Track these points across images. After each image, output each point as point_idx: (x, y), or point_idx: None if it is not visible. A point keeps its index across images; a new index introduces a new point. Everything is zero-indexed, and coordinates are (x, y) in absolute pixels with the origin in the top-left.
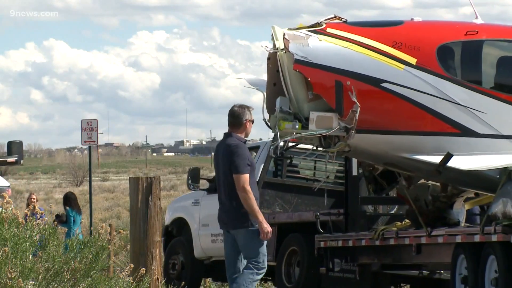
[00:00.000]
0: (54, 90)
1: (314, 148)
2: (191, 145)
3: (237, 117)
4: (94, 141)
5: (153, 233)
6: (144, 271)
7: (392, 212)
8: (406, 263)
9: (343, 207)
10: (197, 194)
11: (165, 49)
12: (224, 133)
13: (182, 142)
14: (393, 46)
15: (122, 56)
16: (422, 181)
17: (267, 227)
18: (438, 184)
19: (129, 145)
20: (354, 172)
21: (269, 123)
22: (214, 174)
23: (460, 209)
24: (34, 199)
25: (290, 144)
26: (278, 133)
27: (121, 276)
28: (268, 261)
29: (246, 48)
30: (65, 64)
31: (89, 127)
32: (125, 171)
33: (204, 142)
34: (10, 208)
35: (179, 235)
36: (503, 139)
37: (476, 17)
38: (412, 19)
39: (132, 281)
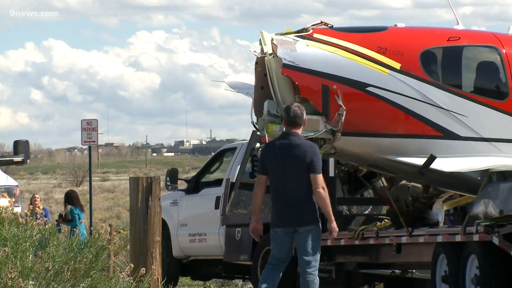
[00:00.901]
0: (54, 90)
1: None
2: (191, 145)
3: (299, 117)
4: (94, 141)
5: (153, 233)
6: (144, 271)
7: (366, 212)
8: (385, 262)
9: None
10: (175, 194)
11: (165, 49)
12: (284, 132)
13: (182, 142)
14: (378, 51)
15: (122, 56)
16: (403, 182)
17: (336, 227)
18: (418, 185)
19: (129, 145)
20: (331, 173)
21: (257, 126)
22: (191, 175)
23: (439, 210)
24: (37, 198)
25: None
26: (267, 136)
27: (121, 276)
28: (244, 261)
29: (246, 48)
30: (65, 64)
31: (89, 127)
32: (125, 171)
33: (204, 142)
34: (14, 208)
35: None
36: (483, 141)
37: (458, 23)
38: (395, 25)
39: (132, 281)
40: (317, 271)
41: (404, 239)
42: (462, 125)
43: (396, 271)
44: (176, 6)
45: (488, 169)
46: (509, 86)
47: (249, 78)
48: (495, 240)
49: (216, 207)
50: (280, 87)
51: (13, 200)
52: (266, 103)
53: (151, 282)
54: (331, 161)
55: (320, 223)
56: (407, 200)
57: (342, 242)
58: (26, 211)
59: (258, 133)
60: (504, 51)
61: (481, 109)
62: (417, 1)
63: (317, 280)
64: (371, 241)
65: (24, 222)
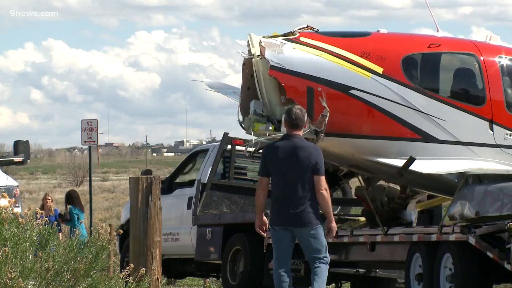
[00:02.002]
0: (54, 90)
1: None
2: (191, 145)
3: (301, 119)
4: (94, 141)
5: (153, 233)
6: (144, 271)
7: (335, 212)
8: (358, 261)
9: None
10: None
11: (164, 49)
12: (286, 134)
13: (182, 142)
14: (361, 56)
15: (122, 56)
16: (379, 183)
17: (336, 227)
18: (393, 186)
19: (129, 145)
20: None
21: (243, 125)
22: (166, 176)
23: (412, 210)
24: (49, 199)
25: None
26: (253, 134)
27: (121, 276)
28: (214, 260)
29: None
30: (64, 64)
31: (89, 127)
32: (125, 171)
33: (204, 142)
34: (15, 208)
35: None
36: (461, 145)
37: (438, 31)
38: (378, 31)
39: (132, 281)
40: (327, 265)
41: (379, 238)
42: (440, 129)
43: (360, 270)
44: (176, 6)
45: (464, 171)
46: (486, 93)
47: None
48: (471, 240)
49: (189, 207)
50: (266, 88)
51: (13, 200)
52: (252, 103)
53: (151, 282)
54: None
55: (321, 222)
56: (383, 201)
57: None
58: (37, 209)
59: (241, 134)
60: (482, 58)
61: (459, 113)
62: (417, 1)
63: (326, 271)
64: (345, 239)
65: (24, 222)
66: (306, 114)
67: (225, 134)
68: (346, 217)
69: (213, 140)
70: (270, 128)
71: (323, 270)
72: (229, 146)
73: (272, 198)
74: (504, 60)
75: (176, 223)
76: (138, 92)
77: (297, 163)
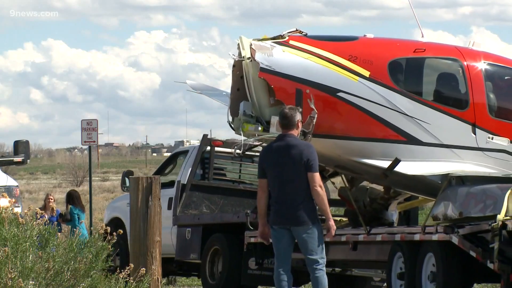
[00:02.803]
0: (54, 90)
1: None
2: (191, 145)
3: (290, 119)
4: (94, 141)
5: (153, 233)
6: (144, 271)
7: None
8: (339, 260)
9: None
10: None
11: (164, 49)
12: (280, 135)
13: (182, 142)
14: (349, 59)
15: (122, 56)
16: (362, 184)
17: (334, 225)
18: (375, 187)
19: (129, 145)
20: None
21: (233, 125)
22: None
23: (394, 211)
24: (51, 199)
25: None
26: (242, 134)
27: (121, 276)
28: (193, 259)
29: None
30: (64, 64)
31: (89, 127)
32: (125, 171)
33: None
34: (15, 208)
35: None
36: (444, 148)
37: (422, 36)
38: (365, 35)
39: (132, 281)
40: (324, 268)
41: (361, 237)
42: (425, 132)
43: (336, 269)
44: (175, 6)
45: (448, 173)
46: (469, 97)
47: None
48: (455, 240)
49: (169, 207)
50: (256, 90)
51: (13, 200)
52: (242, 104)
53: (151, 282)
54: None
55: (319, 222)
56: (365, 201)
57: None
58: (37, 209)
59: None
60: (465, 63)
61: (443, 117)
62: (417, 1)
63: (325, 276)
64: (327, 239)
65: (24, 222)
66: (297, 111)
67: (204, 136)
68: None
69: (231, 139)
70: (259, 128)
71: (323, 278)
72: (208, 148)
73: (271, 199)
74: (486, 66)
75: None
76: (138, 92)
77: (289, 162)
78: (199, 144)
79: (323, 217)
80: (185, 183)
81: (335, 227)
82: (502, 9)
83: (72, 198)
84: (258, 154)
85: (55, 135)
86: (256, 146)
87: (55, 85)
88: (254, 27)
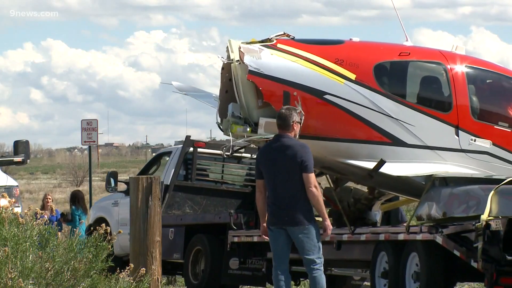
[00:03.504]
0: (53, 90)
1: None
2: (175, 146)
3: (284, 119)
4: (94, 141)
5: (153, 233)
6: (144, 271)
7: None
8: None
9: (249, 207)
10: (116, 195)
11: (164, 49)
12: (276, 135)
13: (182, 142)
14: (335, 62)
15: (122, 56)
16: (347, 184)
17: (330, 225)
18: (359, 188)
19: (129, 145)
20: None
21: (221, 126)
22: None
23: (377, 211)
24: (49, 199)
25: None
26: (231, 135)
27: (121, 276)
28: (176, 259)
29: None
30: (64, 64)
31: (89, 127)
32: (125, 171)
33: None
34: (14, 208)
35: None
36: (428, 149)
37: (407, 40)
38: (351, 39)
39: (132, 281)
40: (322, 268)
41: (345, 237)
42: (409, 134)
43: None
44: (175, 6)
45: (431, 174)
46: (452, 100)
47: None
48: (438, 240)
49: None
50: (244, 92)
51: (13, 200)
52: (230, 106)
53: (151, 282)
54: None
55: (315, 222)
56: (349, 201)
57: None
58: (37, 209)
59: (221, 135)
60: (449, 67)
61: (427, 119)
62: (417, 1)
63: (323, 276)
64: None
65: (24, 222)
66: (294, 112)
67: (187, 137)
68: None
69: (213, 140)
70: (248, 130)
71: (320, 278)
72: (191, 149)
73: (267, 199)
74: (469, 69)
75: None
76: (138, 92)
77: (284, 163)
78: (181, 145)
79: (319, 217)
80: (168, 183)
81: (331, 227)
82: (502, 9)
83: (77, 199)
84: (245, 155)
85: (55, 135)
86: (244, 147)
87: (55, 85)
88: (253, 27)
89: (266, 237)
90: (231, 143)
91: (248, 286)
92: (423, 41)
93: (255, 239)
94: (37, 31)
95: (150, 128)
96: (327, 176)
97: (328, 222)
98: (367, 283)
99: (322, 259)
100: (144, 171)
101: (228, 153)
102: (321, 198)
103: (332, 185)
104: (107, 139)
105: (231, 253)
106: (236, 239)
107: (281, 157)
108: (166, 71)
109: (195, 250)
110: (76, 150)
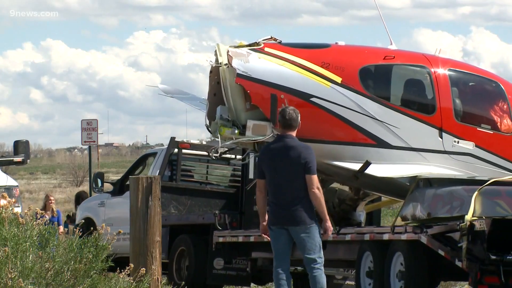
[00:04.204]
0: (53, 90)
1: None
2: (160, 148)
3: (293, 120)
4: (94, 141)
5: (153, 233)
6: (144, 271)
7: None
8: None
9: (233, 208)
10: (103, 196)
11: (164, 49)
12: (279, 135)
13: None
14: (321, 66)
15: (122, 56)
16: (331, 185)
17: (331, 226)
18: (344, 189)
19: (129, 145)
20: (251, 175)
21: (210, 129)
22: (117, 178)
23: (361, 212)
24: (52, 200)
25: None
26: (219, 137)
27: (121, 276)
28: (162, 259)
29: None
30: (64, 64)
31: (89, 127)
32: (125, 171)
33: (204, 142)
34: (15, 209)
35: (88, 233)
36: (412, 151)
37: (391, 43)
38: (336, 43)
39: (132, 281)
40: (322, 267)
41: (330, 237)
42: (394, 136)
43: (298, 268)
44: (175, 6)
45: (416, 176)
46: (436, 102)
47: None
48: (423, 239)
49: None
50: (232, 95)
51: (13, 200)
52: (219, 108)
53: (151, 282)
54: (251, 163)
55: (316, 221)
56: (334, 202)
57: (266, 239)
58: (37, 209)
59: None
60: (432, 70)
61: (411, 121)
62: (417, 1)
63: (323, 276)
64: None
65: (24, 222)
66: (299, 115)
67: (172, 139)
68: None
69: (213, 140)
70: (236, 132)
71: (321, 277)
72: (176, 150)
73: (268, 199)
74: (452, 72)
75: (126, 223)
76: (138, 92)
77: (288, 163)
78: (165, 147)
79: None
80: None
81: (332, 228)
82: (502, 9)
83: (81, 199)
84: (233, 156)
85: (55, 135)
86: (232, 149)
87: (55, 85)
88: (253, 27)
89: (266, 236)
90: (219, 145)
91: (233, 286)
92: (423, 41)
93: (240, 239)
94: (37, 31)
95: (150, 128)
96: None
97: (329, 223)
98: (350, 282)
99: (323, 259)
100: (130, 172)
101: (216, 155)
102: (323, 200)
103: None
104: (107, 139)
105: (216, 253)
106: (221, 239)
107: (284, 157)
108: (166, 71)
109: (179, 250)
110: (76, 150)
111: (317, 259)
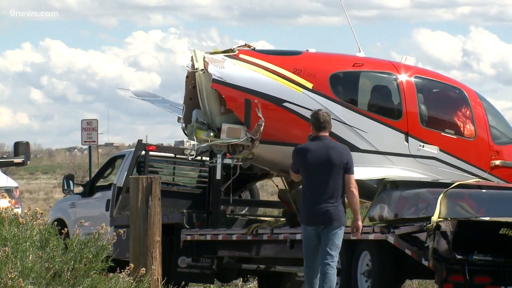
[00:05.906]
0: (53, 90)
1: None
2: (191, 145)
3: (327, 122)
4: (94, 141)
5: (153, 233)
6: (144, 271)
7: (243, 212)
8: (277, 257)
9: (199, 208)
10: (73, 197)
11: (164, 49)
12: (315, 136)
13: (182, 142)
14: (294, 72)
15: (121, 56)
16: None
17: (361, 225)
18: None
19: (129, 145)
20: (218, 176)
21: (186, 132)
22: (86, 179)
23: None
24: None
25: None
26: (195, 140)
27: (121, 276)
28: (124, 258)
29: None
30: (63, 64)
31: (89, 127)
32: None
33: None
34: (15, 209)
35: (60, 234)
36: (379, 154)
37: (360, 51)
38: (307, 50)
39: (132, 281)
40: (335, 265)
41: (298, 236)
42: (362, 140)
43: (260, 266)
44: (175, 6)
45: (383, 178)
46: (402, 108)
47: None
48: (390, 239)
49: (107, 209)
50: (208, 99)
51: (13, 201)
52: (194, 112)
53: (151, 282)
54: (218, 165)
55: (345, 225)
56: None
57: (235, 238)
58: (37, 209)
59: (183, 141)
60: (399, 77)
61: (379, 126)
62: (416, 1)
63: (335, 277)
64: (265, 237)
65: (24, 222)
66: (331, 117)
67: (139, 141)
68: (251, 217)
69: (180, 143)
70: (211, 135)
71: (332, 276)
72: (143, 152)
73: (303, 198)
74: (418, 79)
75: (95, 224)
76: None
77: (329, 163)
78: (133, 149)
79: None
80: (121, 186)
81: (361, 227)
82: (501, 9)
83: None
84: (207, 159)
85: (55, 135)
86: (206, 151)
87: (54, 85)
88: (253, 27)
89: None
90: (195, 147)
91: (196, 284)
92: (422, 41)
93: (208, 237)
94: (36, 31)
95: (150, 128)
96: (283, 178)
97: (361, 222)
98: None
99: (337, 260)
100: (99, 174)
101: (192, 156)
102: (358, 200)
103: (287, 187)
104: (107, 139)
105: (180, 252)
106: (189, 238)
107: (326, 157)
108: (165, 71)
109: None
110: (76, 150)
111: (334, 257)
